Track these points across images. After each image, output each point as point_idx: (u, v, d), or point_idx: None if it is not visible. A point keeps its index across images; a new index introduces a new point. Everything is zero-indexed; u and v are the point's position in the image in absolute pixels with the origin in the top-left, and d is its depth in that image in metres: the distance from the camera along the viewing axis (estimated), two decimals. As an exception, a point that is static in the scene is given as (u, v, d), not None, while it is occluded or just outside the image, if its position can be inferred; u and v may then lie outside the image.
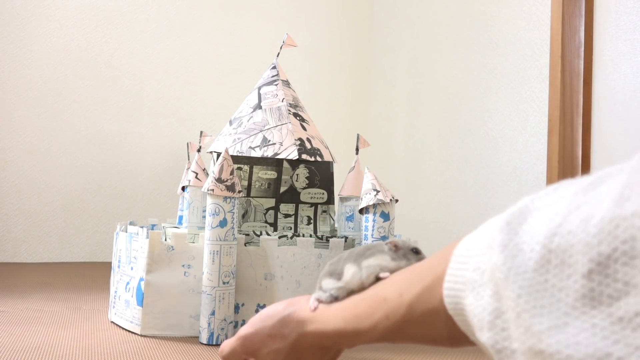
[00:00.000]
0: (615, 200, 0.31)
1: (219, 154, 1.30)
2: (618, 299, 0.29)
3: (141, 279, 1.11)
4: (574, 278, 0.31)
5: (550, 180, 1.63)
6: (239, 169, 1.29)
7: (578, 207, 0.33)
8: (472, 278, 0.38)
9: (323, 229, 1.33)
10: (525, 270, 0.33)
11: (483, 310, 0.36)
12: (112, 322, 1.20)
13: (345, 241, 1.24)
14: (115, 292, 1.21)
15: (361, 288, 0.53)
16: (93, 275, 1.84)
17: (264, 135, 1.28)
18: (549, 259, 0.32)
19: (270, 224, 1.29)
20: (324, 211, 1.34)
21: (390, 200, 1.14)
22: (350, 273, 0.54)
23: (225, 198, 1.08)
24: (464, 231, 1.97)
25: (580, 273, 0.30)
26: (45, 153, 2.16)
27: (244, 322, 1.14)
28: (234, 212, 1.09)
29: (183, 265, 1.12)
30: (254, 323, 0.58)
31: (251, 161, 1.30)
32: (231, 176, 1.09)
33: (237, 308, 1.14)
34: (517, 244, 0.35)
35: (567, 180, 0.38)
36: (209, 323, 1.07)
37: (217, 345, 1.06)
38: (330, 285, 0.55)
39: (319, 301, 0.55)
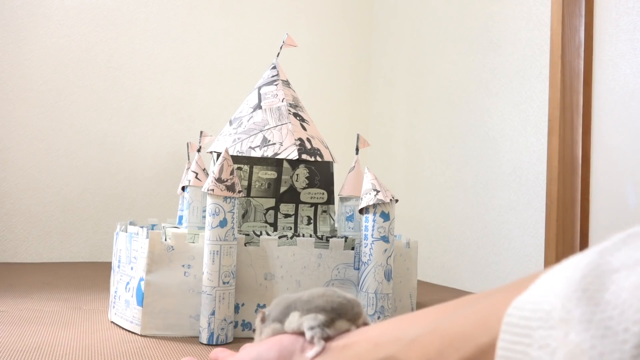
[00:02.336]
0: None
1: (219, 154, 1.30)
2: None
3: (141, 279, 1.11)
4: None
5: (550, 180, 1.63)
6: (239, 169, 1.29)
7: None
8: (538, 358, 0.31)
9: (323, 229, 1.33)
10: (621, 357, 0.27)
11: None
12: (112, 322, 1.20)
13: (345, 241, 1.24)
14: (115, 292, 1.21)
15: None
16: (93, 275, 1.84)
17: (264, 135, 1.28)
18: None
19: (270, 224, 1.29)
20: (324, 211, 1.34)
21: (390, 200, 1.13)
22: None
23: (225, 198, 1.08)
24: (464, 231, 1.98)
25: None
26: (45, 153, 2.16)
27: (244, 322, 1.14)
28: (234, 212, 1.09)
29: (183, 265, 1.12)
30: None
31: (251, 161, 1.30)
32: (231, 176, 1.09)
33: (237, 308, 1.14)
34: (602, 319, 0.29)
35: (635, 229, 0.33)
36: (209, 323, 1.07)
37: (217, 345, 1.06)
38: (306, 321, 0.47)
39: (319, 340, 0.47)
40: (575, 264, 0.33)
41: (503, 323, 0.33)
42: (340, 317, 0.47)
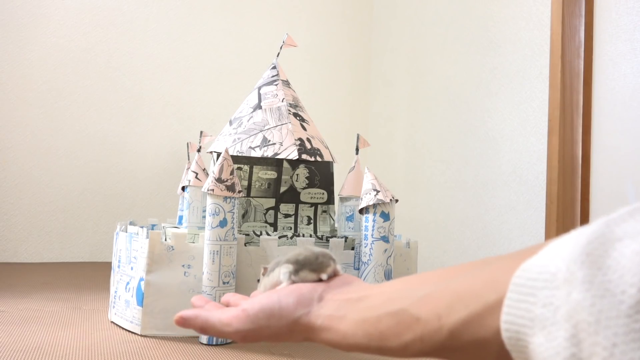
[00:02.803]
0: None
1: (219, 154, 1.30)
2: None
3: (141, 279, 1.11)
4: None
5: (550, 180, 1.63)
6: (239, 169, 1.29)
7: None
8: (542, 315, 0.34)
9: (323, 229, 1.33)
10: (617, 315, 0.30)
11: (556, 354, 0.32)
12: (112, 322, 1.20)
13: (345, 241, 1.24)
14: (115, 292, 1.21)
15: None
16: (93, 275, 1.84)
17: (264, 135, 1.28)
18: None
19: (270, 224, 1.29)
20: (324, 211, 1.34)
21: (390, 200, 1.13)
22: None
23: (225, 198, 1.08)
24: (464, 231, 1.98)
25: None
26: (45, 153, 2.16)
27: (244, 322, 1.14)
28: (234, 212, 1.09)
29: (183, 265, 1.12)
30: (256, 319, 0.50)
31: (251, 161, 1.30)
32: (231, 176, 1.09)
33: (237, 308, 1.13)
34: (602, 282, 0.31)
35: None
36: (209, 323, 1.07)
37: (217, 345, 1.06)
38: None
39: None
40: (582, 232, 0.35)
41: (511, 284, 0.35)
42: (303, 267, 0.52)
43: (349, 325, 0.46)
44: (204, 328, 0.52)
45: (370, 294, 0.48)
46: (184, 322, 0.54)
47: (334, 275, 0.54)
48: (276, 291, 0.51)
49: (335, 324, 0.47)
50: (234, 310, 0.51)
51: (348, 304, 0.48)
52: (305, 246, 0.56)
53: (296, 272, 0.52)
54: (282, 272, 0.53)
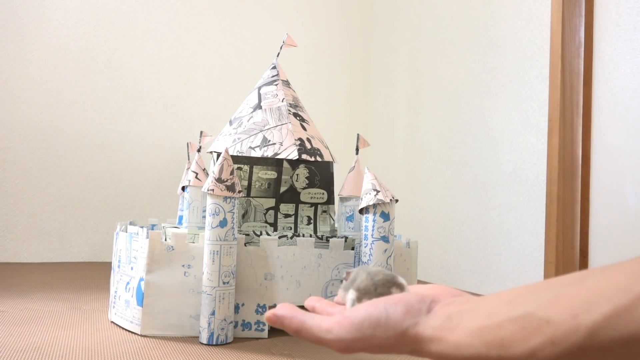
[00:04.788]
0: None
1: (219, 154, 1.30)
2: None
3: (141, 279, 1.11)
4: None
5: (550, 181, 1.63)
6: (239, 169, 1.29)
7: None
8: None
9: (323, 229, 1.33)
10: None
11: None
12: (112, 322, 1.20)
13: (345, 241, 1.24)
14: (115, 292, 1.21)
15: None
16: (93, 275, 1.84)
17: (264, 135, 1.28)
18: None
19: (270, 224, 1.29)
20: (324, 211, 1.34)
21: (390, 200, 1.13)
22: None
23: (225, 198, 1.08)
24: (464, 231, 1.98)
25: None
26: (45, 153, 2.16)
27: (244, 322, 1.14)
28: (234, 212, 1.09)
29: (183, 265, 1.12)
30: (361, 328, 0.46)
31: (251, 161, 1.30)
32: (231, 176, 1.09)
33: (237, 308, 1.14)
34: None
35: None
36: (209, 323, 1.07)
37: (217, 345, 1.06)
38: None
39: None
40: None
41: None
42: (364, 296, 0.52)
43: (463, 334, 0.42)
44: (299, 331, 0.48)
45: (487, 302, 0.44)
46: (276, 321, 0.50)
47: None
48: (382, 300, 0.48)
49: (446, 334, 0.43)
50: (336, 317, 0.48)
51: (461, 314, 0.45)
52: (369, 271, 0.54)
53: (359, 299, 0.52)
54: (349, 298, 0.53)
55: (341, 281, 0.58)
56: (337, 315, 0.48)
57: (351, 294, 0.53)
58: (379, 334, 0.46)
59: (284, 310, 0.50)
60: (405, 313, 0.46)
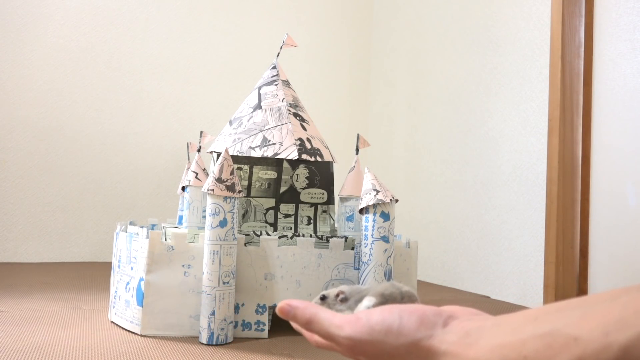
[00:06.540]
0: None
1: (219, 154, 1.30)
2: None
3: (141, 279, 1.11)
4: None
5: (550, 180, 1.63)
6: (239, 169, 1.29)
7: None
8: None
9: (323, 229, 1.33)
10: None
11: None
12: (112, 322, 1.20)
13: (345, 241, 1.24)
14: (115, 292, 1.21)
15: None
16: (93, 275, 1.84)
17: (264, 135, 1.28)
18: None
19: (270, 224, 1.29)
20: (324, 211, 1.34)
21: (390, 200, 1.13)
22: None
23: (225, 198, 1.08)
24: (464, 231, 1.98)
25: None
26: (45, 153, 2.16)
27: (244, 322, 1.14)
28: (234, 212, 1.09)
29: (183, 265, 1.12)
30: (372, 331, 0.45)
31: (251, 161, 1.30)
32: (231, 176, 1.09)
33: (237, 308, 1.14)
34: None
35: None
36: (209, 323, 1.07)
37: (217, 345, 1.06)
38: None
39: None
40: None
41: None
42: (387, 302, 0.51)
43: (482, 351, 0.40)
44: (310, 323, 0.47)
45: (511, 319, 0.42)
46: (289, 311, 0.48)
47: None
48: (397, 307, 0.47)
49: (463, 350, 0.41)
50: (349, 316, 0.47)
51: (481, 330, 0.42)
52: (393, 282, 0.55)
53: (380, 304, 0.50)
54: (365, 304, 0.51)
55: (321, 298, 0.54)
56: (350, 315, 0.48)
57: (368, 301, 0.51)
58: (390, 340, 0.44)
59: (298, 301, 0.49)
60: (420, 324, 0.44)
